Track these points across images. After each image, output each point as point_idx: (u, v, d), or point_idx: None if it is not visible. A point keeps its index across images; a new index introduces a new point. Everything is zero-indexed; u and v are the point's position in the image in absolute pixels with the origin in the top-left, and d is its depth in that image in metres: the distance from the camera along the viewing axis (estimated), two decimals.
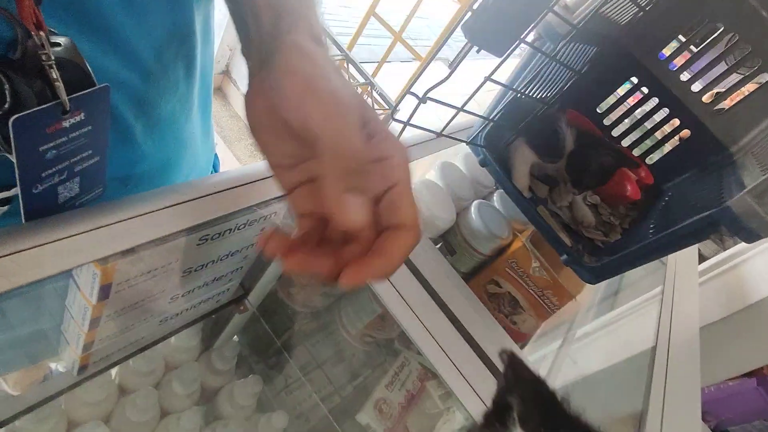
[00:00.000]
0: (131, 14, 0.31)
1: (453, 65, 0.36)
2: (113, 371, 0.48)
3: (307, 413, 0.60)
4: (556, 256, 0.52)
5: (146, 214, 0.27)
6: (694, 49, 0.66)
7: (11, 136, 0.23)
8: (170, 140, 0.43)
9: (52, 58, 0.23)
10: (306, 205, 0.29)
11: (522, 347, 0.75)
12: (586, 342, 0.69)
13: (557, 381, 0.61)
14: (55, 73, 0.23)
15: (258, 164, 0.37)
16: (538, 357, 0.72)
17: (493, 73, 0.39)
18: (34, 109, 0.23)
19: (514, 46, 0.36)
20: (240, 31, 0.34)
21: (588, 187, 0.58)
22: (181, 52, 0.38)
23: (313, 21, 0.32)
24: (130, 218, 0.26)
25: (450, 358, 0.33)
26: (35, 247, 0.23)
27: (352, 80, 2.13)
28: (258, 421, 0.55)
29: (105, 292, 0.29)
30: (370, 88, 2.08)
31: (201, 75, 0.44)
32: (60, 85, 0.24)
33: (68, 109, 0.25)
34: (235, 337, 0.63)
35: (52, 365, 0.50)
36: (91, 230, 0.25)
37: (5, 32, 0.23)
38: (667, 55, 0.68)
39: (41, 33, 0.23)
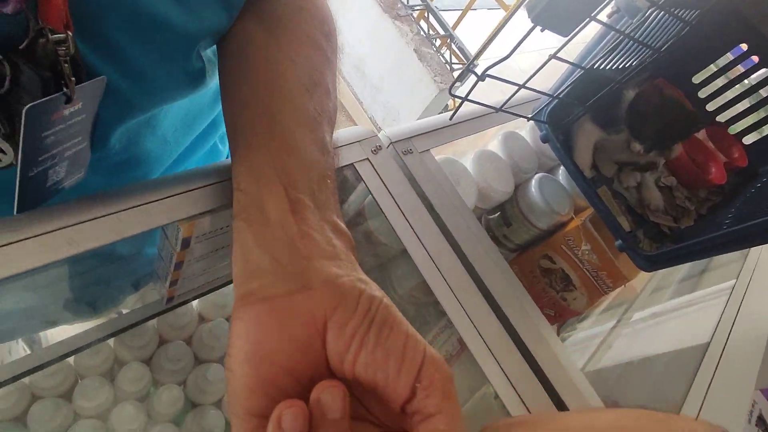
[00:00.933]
0: (135, 36, 0.29)
1: (515, 45, 0.35)
2: (194, 303, 0.56)
3: None
4: None
5: (219, 182, 0.31)
6: None
7: (23, 123, 0.24)
8: (148, 137, 0.40)
9: (69, 54, 0.24)
10: None
11: (574, 322, 0.75)
12: (640, 327, 0.67)
13: (602, 361, 0.61)
14: (69, 68, 0.24)
15: None
16: (589, 335, 0.72)
17: (558, 51, 0.38)
18: (45, 98, 0.24)
19: (582, 24, 0.35)
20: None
21: (653, 140, 0.51)
22: (183, 71, 0.35)
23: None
24: (207, 185, 0.31)
25: (481, 335, 0.35)
26: (136, 206, 0.28)
27: (431, 31, 2.06)
28: None
29: (186, 243, 0.35)
30: (449, 40, 2.00)
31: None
32: (73, 79, 0.24)
33: (73, 99, 0.25)
34: None
35: None
36: (177, 194, 0.30)
37: (20, 26, 0.23)
38: None
39: (69, 33, 0.24)
